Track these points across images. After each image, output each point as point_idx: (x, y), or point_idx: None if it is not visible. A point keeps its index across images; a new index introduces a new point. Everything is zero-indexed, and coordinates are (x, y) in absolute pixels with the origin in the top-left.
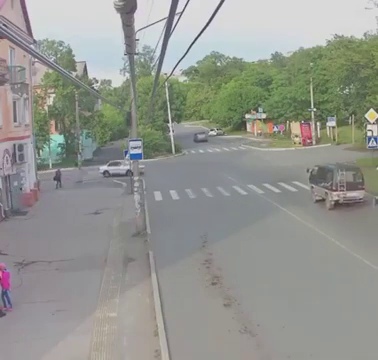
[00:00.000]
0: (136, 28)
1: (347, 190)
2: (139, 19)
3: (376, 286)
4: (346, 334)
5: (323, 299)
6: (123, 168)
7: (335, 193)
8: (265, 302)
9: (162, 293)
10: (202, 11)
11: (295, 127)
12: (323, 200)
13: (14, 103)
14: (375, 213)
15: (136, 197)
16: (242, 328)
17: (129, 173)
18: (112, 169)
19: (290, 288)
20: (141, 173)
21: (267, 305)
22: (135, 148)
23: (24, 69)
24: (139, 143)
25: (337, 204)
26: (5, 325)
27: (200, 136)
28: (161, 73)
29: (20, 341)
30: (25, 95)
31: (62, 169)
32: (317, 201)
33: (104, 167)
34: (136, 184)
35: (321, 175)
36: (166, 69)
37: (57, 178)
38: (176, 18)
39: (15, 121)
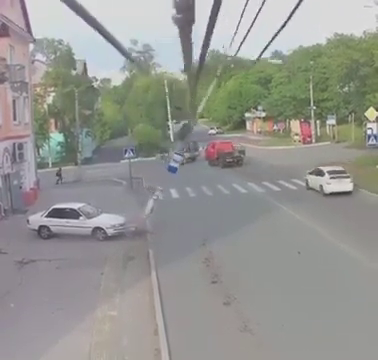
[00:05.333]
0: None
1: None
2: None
3: (374, 283)
4: (346, 331)
5: (323, 297)
6: None
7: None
8: (265, 300)
9: (162, 292)
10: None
11: (295, 125)
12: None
13: (14, 102)
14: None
15: (150, 204)
16: (242, 327)
17: None
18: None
19: (290, 286)
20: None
21: (267, 303)
22: (176, 162)
23: (24, 68)
24: (181, 158)
25: None
26: (5, 324)
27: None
28: (162, 71)
29: (20, 340)
30: (25, 94)
31: (62, 168)
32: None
33: None
34: (157, 193)
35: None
36: (168, 67)
37: (58, 174)
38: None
39: (15, 120)
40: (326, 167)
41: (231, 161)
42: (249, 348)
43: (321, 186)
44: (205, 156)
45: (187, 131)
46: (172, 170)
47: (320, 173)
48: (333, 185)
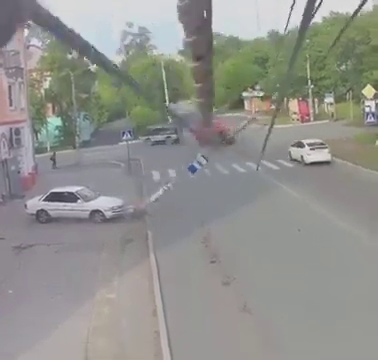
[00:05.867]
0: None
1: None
2: None
3: (373, 261)
4: (346, 311)
5: (322, 275)
6: None
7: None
8: (264, 280)
9: (161, 273)
10: None
11: (293, 104)
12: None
13: (9, 87)
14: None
15: (157, 193)
16: (241, 307)
17: None
18: None
19: (289, 265)
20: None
21: (266, 283)
22: (200, 164)
23: (18, 53)
24: (205, 162)
25: None
26: (4, 309)
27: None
28: (158, 54)
29: (19, 325)
30: (20, 79)
31: (60, 152)
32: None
33: None
34: (169, 184)
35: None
36: (164, 49)
37: (53, 159)
38: None
39: (11, 105)
40: (306, 140)
41: (222, 141)
42: (248, 328)
43: (302, 157)
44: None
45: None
46: (191, 170)
47: (301, 145)
48: (313, 155)
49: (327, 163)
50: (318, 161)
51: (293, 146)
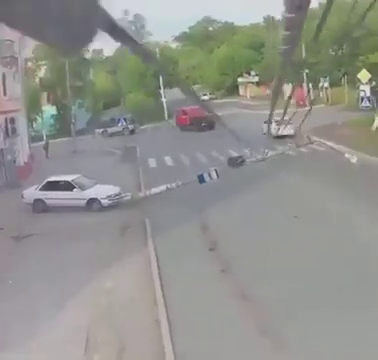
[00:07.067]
0: None
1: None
2: None
3: (374, 248)
4: (346, 295)
5: (321, 262)
6: None
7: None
8: (263, 267)
9: (159, 260)
10: None
11: (288, 89)
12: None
13: (4, 77)
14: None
15: (159, 188)
16: (240, 294)
17: None
18: None
19: (288, 253)
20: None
21: (265, 270)
22: (210, 178)
23: (13, 42)
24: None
25: None
26: (2, 300)
27: None
28: (152, 41)
29: (18, 316)
30: (15, 68)
31: (57, 140)
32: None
33: None
34: (173, 184)
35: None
36: (159, 37)
37: (45, 148)
38: None
39: (5, 95)
40: (275, 117)
41: (205, 125)
42: (247, 316)
43: (269, 131)
44: (176, 122)
45: (239, 164)
46: (200, 180)
47: (269, 121)
48: (279, 130)
49: (291, 136)
50: (283, 135)
51: (264, 123)
